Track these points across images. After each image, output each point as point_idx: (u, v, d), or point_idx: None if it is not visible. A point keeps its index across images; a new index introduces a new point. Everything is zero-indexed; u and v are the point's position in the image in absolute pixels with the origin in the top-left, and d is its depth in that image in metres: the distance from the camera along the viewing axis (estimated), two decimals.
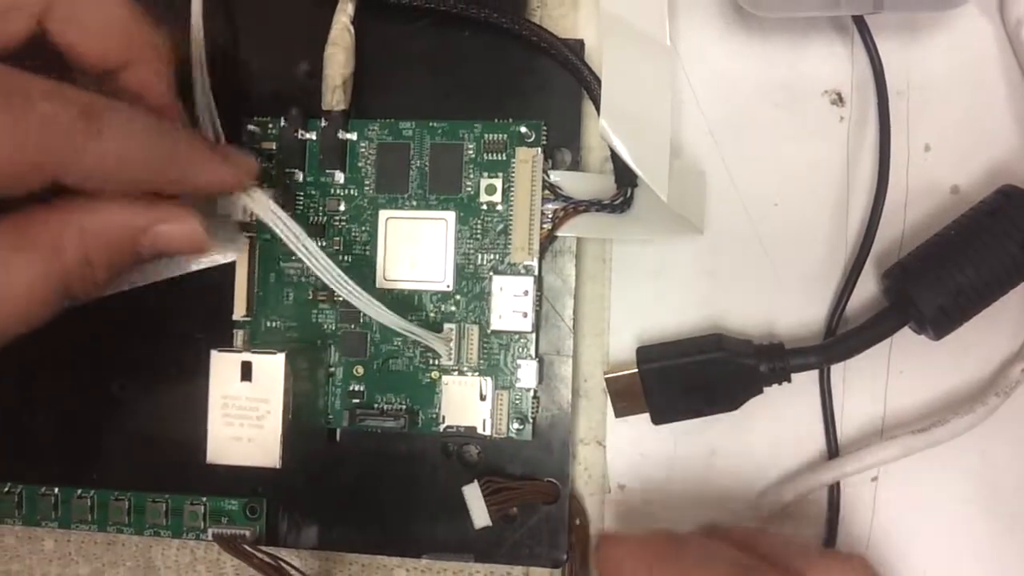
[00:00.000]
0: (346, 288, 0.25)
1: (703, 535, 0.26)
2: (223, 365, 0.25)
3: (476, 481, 0.26)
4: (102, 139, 0.21)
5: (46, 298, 0.21)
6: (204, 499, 0.28)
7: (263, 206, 0.25)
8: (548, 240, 0.27)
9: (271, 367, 0.25)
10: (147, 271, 0.28)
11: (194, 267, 0.28)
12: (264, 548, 0.27)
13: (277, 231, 0.25)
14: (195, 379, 0.28)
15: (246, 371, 0.25)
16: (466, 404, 0.27)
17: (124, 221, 0.22)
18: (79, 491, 0.29)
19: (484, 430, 0.27)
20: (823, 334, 0.27)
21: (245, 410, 0.25)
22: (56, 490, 0.29)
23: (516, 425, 0.27)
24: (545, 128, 0.27)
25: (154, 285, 0.28)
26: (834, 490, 0.27)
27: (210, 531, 0.28)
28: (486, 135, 0.27)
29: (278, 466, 0.25)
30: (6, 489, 0.29)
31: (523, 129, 0.27)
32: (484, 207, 0.27)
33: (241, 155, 0.25)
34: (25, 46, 0.22)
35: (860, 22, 0.26)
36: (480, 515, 0.26)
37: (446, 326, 0.27)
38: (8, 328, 0.21)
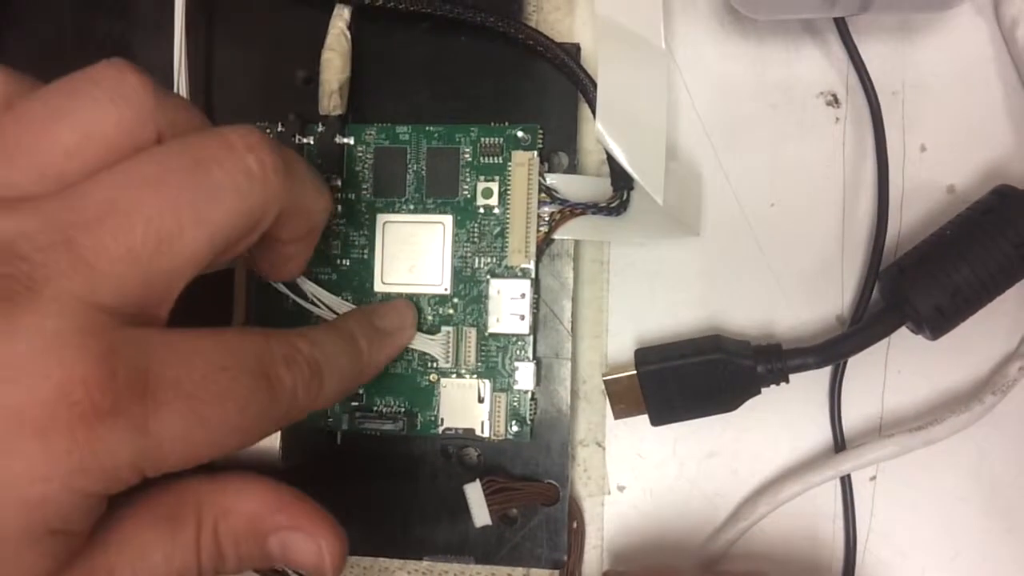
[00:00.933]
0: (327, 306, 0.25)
1: (701, 571, 0.26)
2: None
3: (478, 480, 0.26)
4: (323, 390, 0.21)
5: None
6: None
7: None
8: (545, 243, 0.27)
9: None
10: None
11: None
12: None
13: None
14: None
15: None
16: (465, 406, 0.27)
17: (255, 521, 0.20)
18: None
19: (483, 432, 0.27)
20: (820, 334, 0.27)
21: None
22: None
23: (515, 427, 0.27)
24: (541, 131, 0.27)
25: None
26: (846, 483, 0.27)
27: None
28: (483, 139, 0.27)
29: (280, 467, 0.25)
30: None
31: (519, 133, 0.27)
32: (481, 210, 0.27)
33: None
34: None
35: (845, 27, 0.26)
36: (481, 514, 0.26)
37: (444, 329, 0.27)
38: None
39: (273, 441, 0.25)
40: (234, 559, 0.20)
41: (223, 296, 0.28)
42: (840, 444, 0.27)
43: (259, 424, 0.19)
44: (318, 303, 0.27)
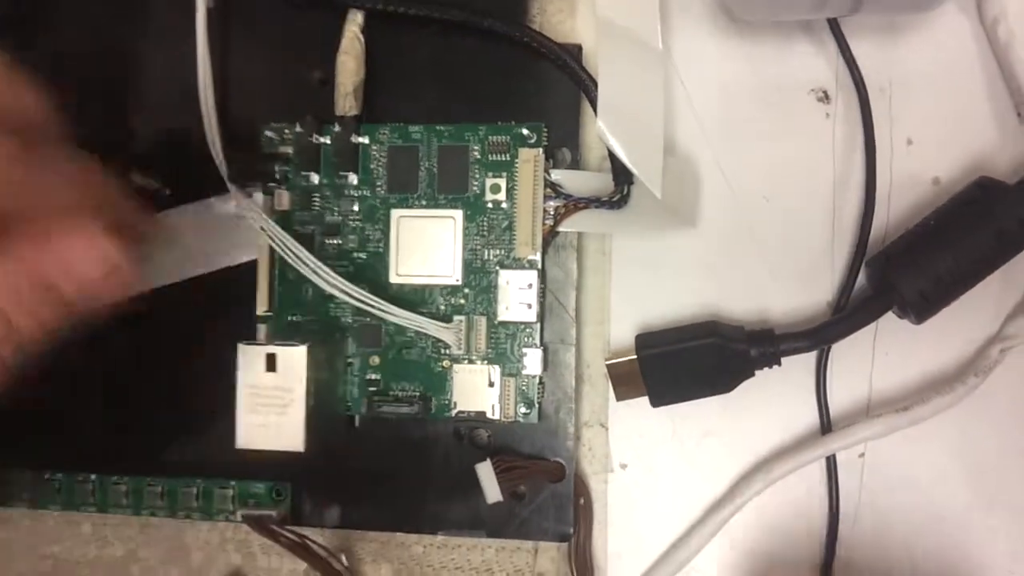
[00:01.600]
0: (349, 292, 0.27)
1: None
2: (250, 357, 0.27)
3: (488, 460, 0.28)
4: None
5: None
6: (233, 483, 0.30)
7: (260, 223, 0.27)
8: (551, 235, 0.29)
9: (294, 358, 0.26)
10: (164, 270, 0.30)
11: (211, 267, 0.30)
12: (290, 527, 0.29)
13: (277, 249, 0.27)
14: (222, 371, 0.30)
15: (271, 362, 0.26)
16: (476, 390, 0.28)
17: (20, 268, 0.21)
18: (115, 478, 0.31)
19: (493, 415, 0.28)
20: (811, 320, 0.28)
21: (271, 398, 0.26)
22: (93, 477, 0.31)
23: (523, 409, 0.28)
24: (546, 129, 0.28)
25: (180, 285, 0.30)
26: (831, 463, 0.28)
27: (239, 513, 0.29)
28: (490, 137, 0.29)
29: (302, 450, 0.27)
30: (47, 476, 0.31)
31: (525, 131, 0.28)
32: (490, 205, 0.29)
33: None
34: None
35: (834, 25, 0.27)
36: (492, 491, 0.27)
37: (456, 317, 0.28)
38: None
39: (298, 427, 0.27)
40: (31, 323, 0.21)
41: (247, 285, 0.30)
42: (826, 424, 0.28)
43: None
44: (337, 292, 0.28)
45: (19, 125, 0.22)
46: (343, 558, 0.29)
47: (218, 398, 0.29)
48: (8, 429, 0.32)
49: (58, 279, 0.21)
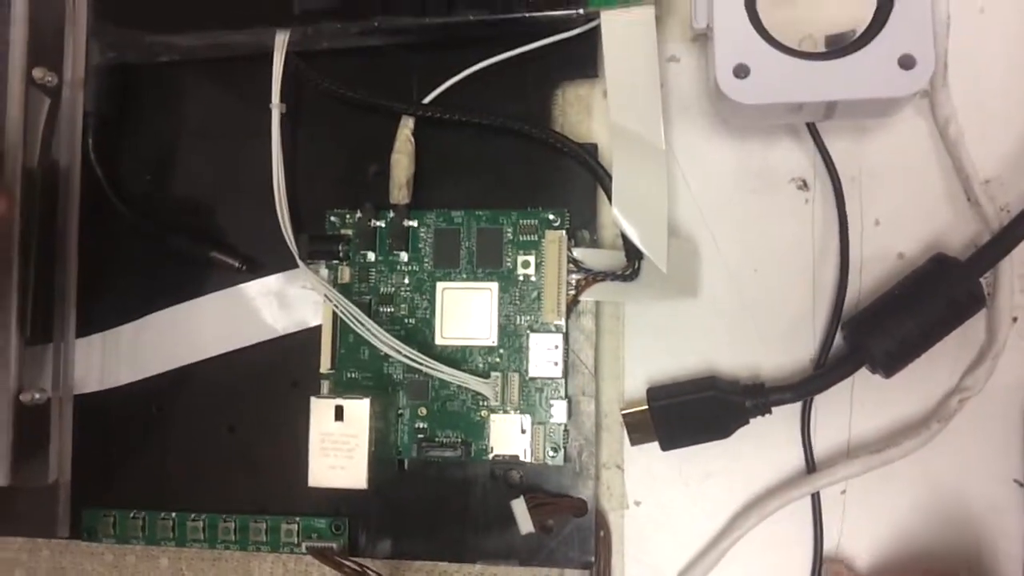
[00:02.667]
0: (400, 351, 0.32)
1: None
2: (321, 408, 0.31)
3: (522, 497, 0.32)
4: None
5: None
6: (297, 519, 0.34)
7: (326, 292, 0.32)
8: (573, 304, 0.33)
9: (360, 409, 0.31)
10: (244, 333, 0.35)
11: (281, 332, 0.35)
12: (350, 557, 0.33)
13: (339, 312, 0.32)
14: (286, 422, 0.34)
15: (339, 413, 0.31)
16: (510, 437, 0.33)
17: None
18: (192, 515, 0.35)
19: (525, 457, 0.33)
20: (796, 374, 0.33)
21: (338, 444, 0.31)
22: (174, 515, 0.35)
23: (551, 453, 0.33)
24: (568, 214, 0.33)
25: (254, 346, 0.35)
26: (815, 499, 0.33)
27: (304, 545, 0.34)
28: (521, 221, 0.33)
29: (365, 487, 0.31)
30: (132, 515, 0.36)
31: (550, 216, 0.33)
32: (521, 278, 0.33)
33: None
34: None
35: (812, 128, 0.32)
36: (525, 523, 0.32)
37: (492, 374, 0.33)
38: None
39: (362, 468, 0.31)
40: None
41: (311, 347, 0.34)
42: (811, 465, 0.32)
43: None
44: (391, 351, 0.33)
45: None
46: None
47: (282, 445, 0.34)
48: (98, 473, 0.36)
49: None
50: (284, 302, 0.35)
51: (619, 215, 0.31)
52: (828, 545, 0.32)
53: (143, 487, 0.36)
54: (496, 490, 0.33)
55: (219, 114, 0.37)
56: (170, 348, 0.36)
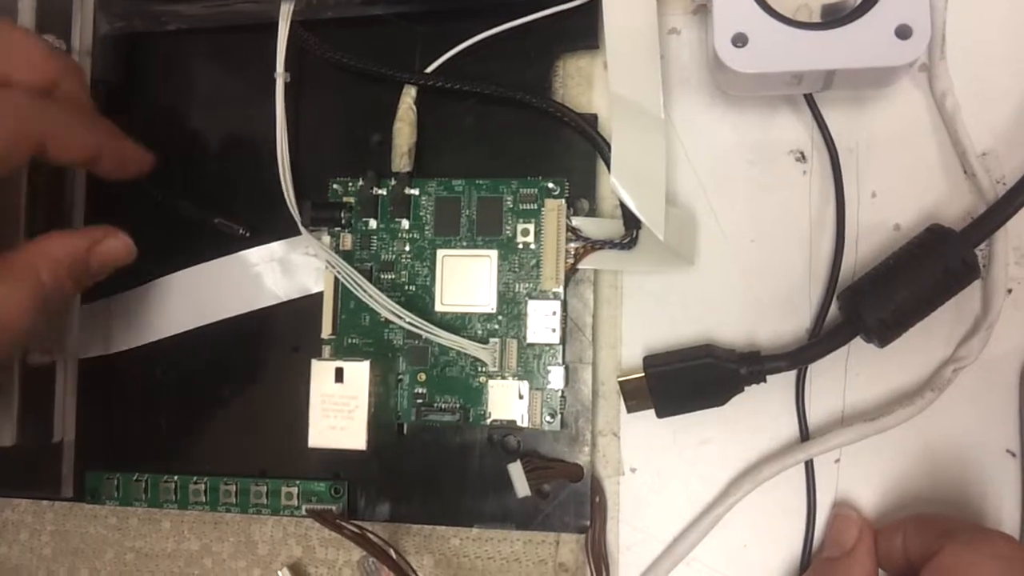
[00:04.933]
0: (401, 316, 0.32)
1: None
2: (321, 370, 0.32)
3: (518, 460, 0.32)
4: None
5: (33, 312, 0.28)
6: (297, 482, 0.35)
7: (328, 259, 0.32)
8: (571, 272, 0.34)
9: (359, 371, 0.32)
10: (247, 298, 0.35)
11: (284, 298, 0.35)
12: (349, 520, 0.33)
13: (340, 278, 0.32)
14: (288, 386, 0.35)
15: (339, 375, 0.32)
16: (508, 402, 0.33)
17: (76, 244, 0.30)
18: (194, 478, 0.36)
19: (522, 423, 0.33)
20: (792, 344, 0.33)
21: (338, 405, 0.31)
22: (176, 478, 0.36)
23: (548, 419, 0.33)
24: (567, 183, 0.34)
25: (254, 312, 0.36)
26: (809, 467, 0.33)
27: (304, 508, 0.34)
28: (521, 190, 0.34)
29: (364, 448, 0.31)
30: (135, 478, 0.36)
31: (550, 184, 0.34)
32: (520, 246, 0.34)
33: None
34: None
35: (810, 99, 0.33)
36: (521, 487, 0.32)
37: (491, 340, 0.33)
38: (6, 340, 0.28)
39: (361, 429, 0.31)
40: (70, 281, 0.29)
41: (312, 312, 0.35)
42: (805, 433, 0.33)
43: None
44: (392, 317, 0.33)
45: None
46: (391, 552, 0.34)
47: (283, 409, 0.35)
48: (102, 436, 0.37)
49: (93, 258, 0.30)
50: (287, 268, 0.35)
51: (618, 184, 0.32)
52: (821, 513, 0.33)
53: (146, 450, 0.37)
54: (493, 455, 0.34)
55: (224, 83, 0.37)
56: (173, 313, 0.36)
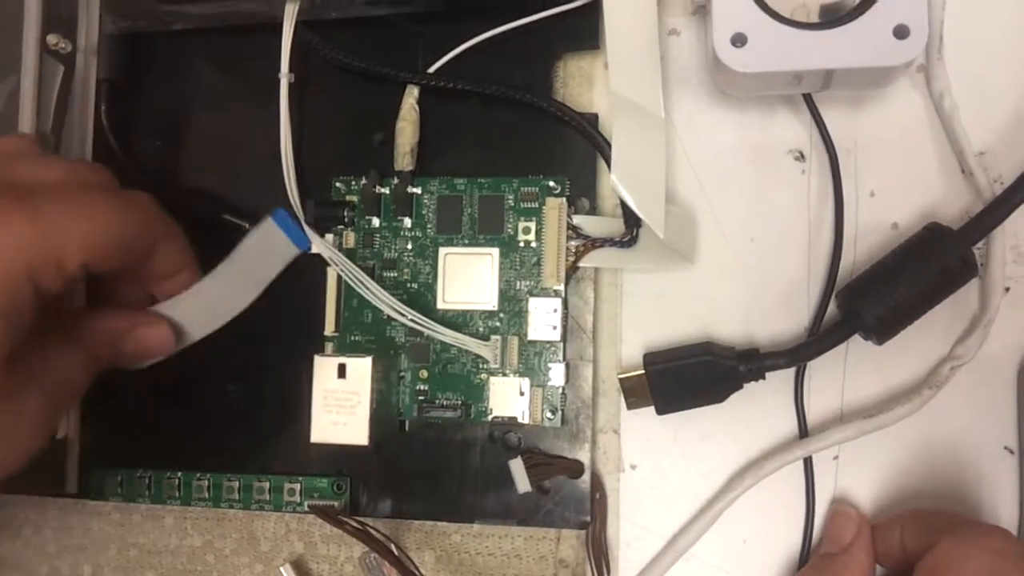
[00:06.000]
0: (403, 314, 0.32)
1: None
2: (324, 366, 0.32)
3: (520, 457, 0.33)
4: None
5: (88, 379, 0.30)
6: (300, 479, 0.35)
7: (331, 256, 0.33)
8: (572, 270, 0.34)
9: (362, 367, 0.32)
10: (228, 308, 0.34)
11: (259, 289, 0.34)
12: (352, 516, 0.34)
13: (343, 276, 0.32)
14: (290, 384, 0.35)
15: (341, 371, 0.32)
16: (509, 399, 0.33)
17: (115, 324, 0.31)
18: (197, 475, 0.36)
19: (523, 419, 0.33)
20: (790, 341, 0.33)
21: (340, 400, 0.32)
22: (179, 474, 0.36)
23: (548, 415, 0.33)
24: (568, 182, 0.34)
25: (262, 309, 0.36)
26: (808, 464, 0.33)
27: (306, 504, 0.34)
28: (522, 188, 0.34)
29: (367, 443, 0.32)
30: (138, 474, 0.37)
31: (551, 183, 0.34)
32: (522, 244, 0.34)
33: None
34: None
35: (809, 99, 0.33)
36: (522, 483, 0.32)
37: (492, 337, 0.34)
38: (74, 399, 0.31)
39: (363, 424, 0.32)
40: (108, 355, 0.31)
41: (315, 310, 0.35)
42: (804, 430, 0.33)
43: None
44: (394, 314, 0.33)
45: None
46: (392, 548, 0.34)
47: (285, 406, 0.35)
48: (105, 433, 0.37)
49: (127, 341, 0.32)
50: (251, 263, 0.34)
51: (618, 183, 0.32)
52: (820, 509, 0.33)
53: (149, 447, 0.37)
54: (494, 451, 0.34)
55: (228, 83, 0.37)
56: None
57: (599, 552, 0.33)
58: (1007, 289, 0.32)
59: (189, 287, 0.33)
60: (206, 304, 0.33)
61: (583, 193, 0.34)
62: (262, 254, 0.33)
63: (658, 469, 0.34)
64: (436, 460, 0.34)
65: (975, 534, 0.27)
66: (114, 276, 0.31)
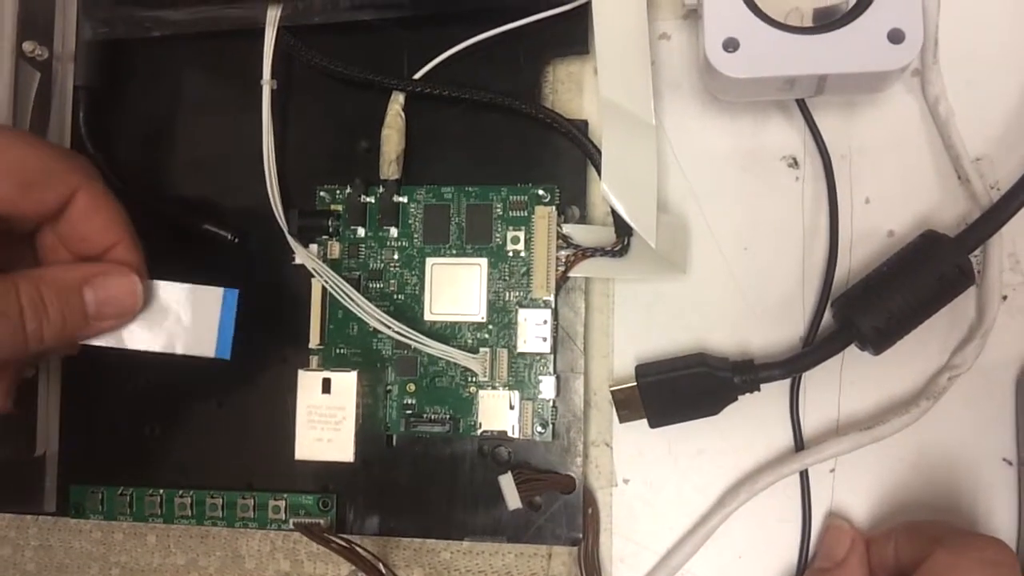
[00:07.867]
0: (390, 326, 0.31)
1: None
2: (308, 381, 0.31)
3: (510, 472, 0.32)
4: None
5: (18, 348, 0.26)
6: (285, 496, 0.34)
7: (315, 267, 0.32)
8: (562, 280, 0.33)
9: (347, 382, 0.31)
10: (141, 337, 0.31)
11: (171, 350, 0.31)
12: (338, 534, 0.33)
13: (328, 287, 0.31)
14: (274, 399, 0.34)
15: (326, 386, 0.31)
16: (498, 412, 0.33)
17: (69, 273, 0.28)
18: (180, 492, 0.35)
19: (513, 434, 0.33)
20: (785, 352, 0.33)
21: (325, 416, 0.31)
22: (161, 492, 0.35)
23: (539, 429, 0.33)
24: (558, 190, 0.33)
25: (245, 321, 0.35)
26: (804, 477, 0.33)
27: (292, 522, 0.34)
28: (511, 197, 0.33)
29: (352, 460, 0.31)
30: (120, 492, 0.36)
31: (540, 191, 0.33)
32: (510, 254, 0.33)
33: None
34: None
35: (803, 104, 0.32)
36: (512, 499, 0.32)
37: (481, 350, 0.33)
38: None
39: (349, 441, 0.31)
40: (56, 315, 0.27)
41: (299, 322, 0.34)
42: (800, 442, 0.32)
43: None
44: (380, 326, 0.33)
45: None
46: (380, 566, 0.33)
47: (269, 421, 0.34)
48: (85, 450, 0.36)
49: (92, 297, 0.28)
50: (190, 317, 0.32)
51: (609, 191, 0.31)
52: (816, 523, 0.32)
53: (131, 463, 0.36)
54: (484, 466, 0.33)
55: (209, 89, 0.37)
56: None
57: (592, 569, 0.33)
58: (1004, 297, 0.32)
59: (130, 265, 0.29)
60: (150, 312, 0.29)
61: (573, 201, 0.34)
62: (196, 315, 0.30)
63: (651, 483, 0.34)
64: (424, 476, 0.34)
65: (969, 545, 0.27)
66: (35, 238, 0.28)
